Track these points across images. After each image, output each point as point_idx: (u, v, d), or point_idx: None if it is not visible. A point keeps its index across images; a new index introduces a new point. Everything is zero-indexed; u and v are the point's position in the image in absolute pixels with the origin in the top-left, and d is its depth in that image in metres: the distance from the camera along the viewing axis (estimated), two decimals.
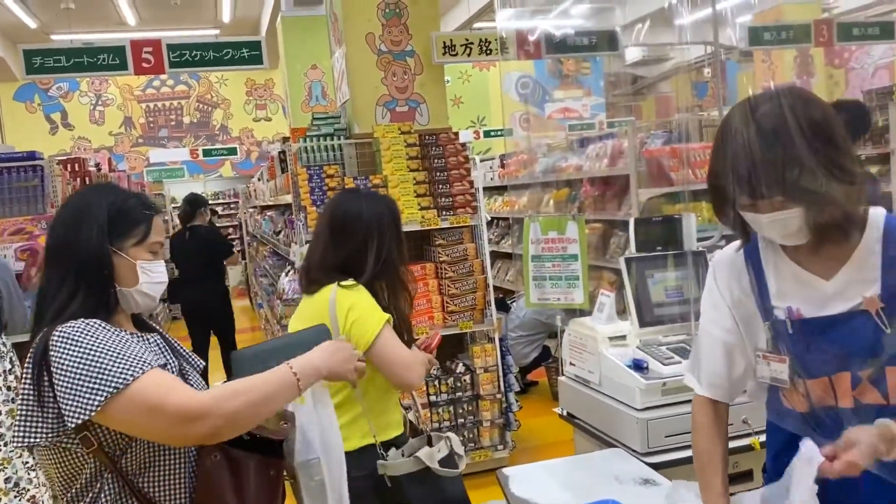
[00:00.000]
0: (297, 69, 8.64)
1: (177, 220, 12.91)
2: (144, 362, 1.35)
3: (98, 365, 1.32)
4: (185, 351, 1.64)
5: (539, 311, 5.82)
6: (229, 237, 11.91)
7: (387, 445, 2.16)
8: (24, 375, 1.37)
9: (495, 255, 7.08)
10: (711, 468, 1.57)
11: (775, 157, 1.30)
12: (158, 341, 1.59)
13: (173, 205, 13.43)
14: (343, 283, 2.15)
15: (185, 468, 1.46)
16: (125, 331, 1.47)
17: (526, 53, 5.11)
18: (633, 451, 2.29)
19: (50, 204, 4.28)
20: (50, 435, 1.35)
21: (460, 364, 4.44)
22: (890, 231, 1.40)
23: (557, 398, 2.90)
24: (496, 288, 6.11)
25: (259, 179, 9.04)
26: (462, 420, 4.38)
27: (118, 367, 1.32)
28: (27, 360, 1.38)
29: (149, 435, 1.37)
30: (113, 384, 1.30)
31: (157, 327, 1.66)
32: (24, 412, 1.35)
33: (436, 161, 4.47)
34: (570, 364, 2.70)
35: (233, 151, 14.27)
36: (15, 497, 3.44)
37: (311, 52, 8.52)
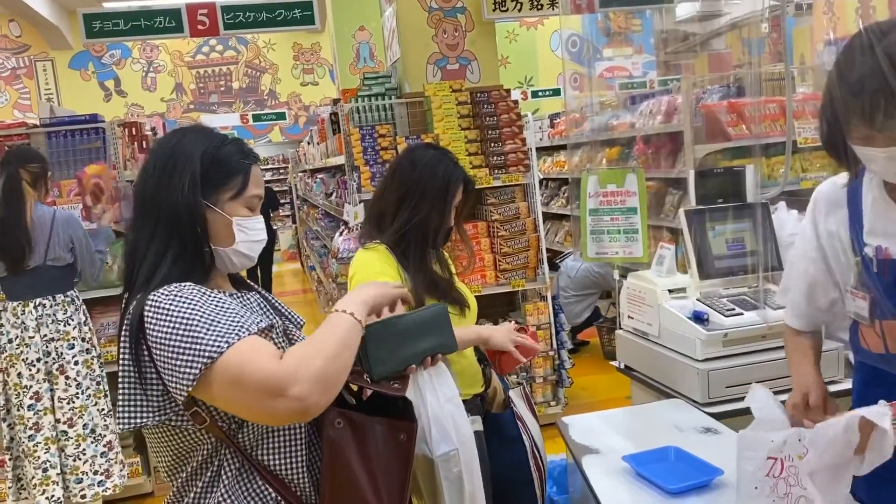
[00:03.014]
0: (344, 31, 8.64)
1: None
2: (241, 328, 1.21)
3: (192, 334, 1.19)
4: (285, 308, 1.51)
5: (590, 270, 5.82)
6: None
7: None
8: (121, 350, 1.26)
9: (545, 216, 7.04)
10: (799, 354, 1.66)
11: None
12: (259, 300, 1.47)
13: None
14: (368, 245, 2.14)
15: (303, 437, 1.34)
16: (223, 291, 1.36)
17: (577, 7, 5.02)
18: (694, 401, 2.29)
19: (112, 166, 4.40)
20: (157, 414, 1.24)
21: (513, 322, 4.46)
22: None
23: (609, 358, 2.91)
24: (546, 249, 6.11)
25: (309, 143, 9.12)
26: (515, 375, 4.42)
27: (212, 335, 1.19)
28: (123, 331, 1.27)
29: (239, 412, 1.23)
30: (206, 353, 1.17)
31: (256, 286, 1.53)
32: (126, 391, 1.24)
33: (487, 119, 4.45)
34: (629, 317, 2.69)
35: (281, 116, 14.41)
36: (92, 442, 3.63)
37: (358, 13, 8.50)
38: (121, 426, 1.24)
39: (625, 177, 2.69)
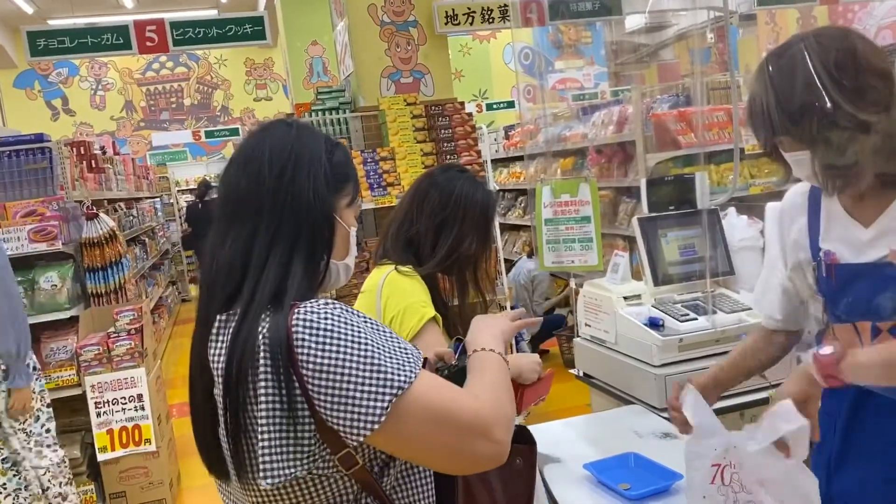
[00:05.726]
0: (297, 46, 8.60)
1: (182, 203, 12.98)
2: (415, 357, 1.05)
3: (372, 361, 1.00)
4: None
5: (517, 280, 5.94)
6: None
7: None
8: (262, 384, 1.00)
9: (502, 227, 7.09)
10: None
11: (780, 100, 1.34)
12: None
13: (177, 188, 13.46)
14: (401, 268, 1.94)
15: (430, 480, 1.18)
16: None
17: (528, 20, 5.08)
18: (652, 407, 2.31)
19: (59, 186, 4.29)
20: (308, 461, 1.01)
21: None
22: None
23: (569, 366, 2.94)
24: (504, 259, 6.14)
25: None
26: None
27: (394, 363, 1.01)
28: (262, 359, 1.00)
29: (428, 456, 1.06)
30: (395, 384, 1.00)
31: None
32: (273, 435, 1.00)
33: (442, 132, 4.47)
34: (586, 325, 2.72)
35: (235, 132, 14.25)
36: (14, 476, 3.32)
37: (310, 28, 8.48)
38: (269, 481, 1.00)
39: (578, 187, 2.72)
